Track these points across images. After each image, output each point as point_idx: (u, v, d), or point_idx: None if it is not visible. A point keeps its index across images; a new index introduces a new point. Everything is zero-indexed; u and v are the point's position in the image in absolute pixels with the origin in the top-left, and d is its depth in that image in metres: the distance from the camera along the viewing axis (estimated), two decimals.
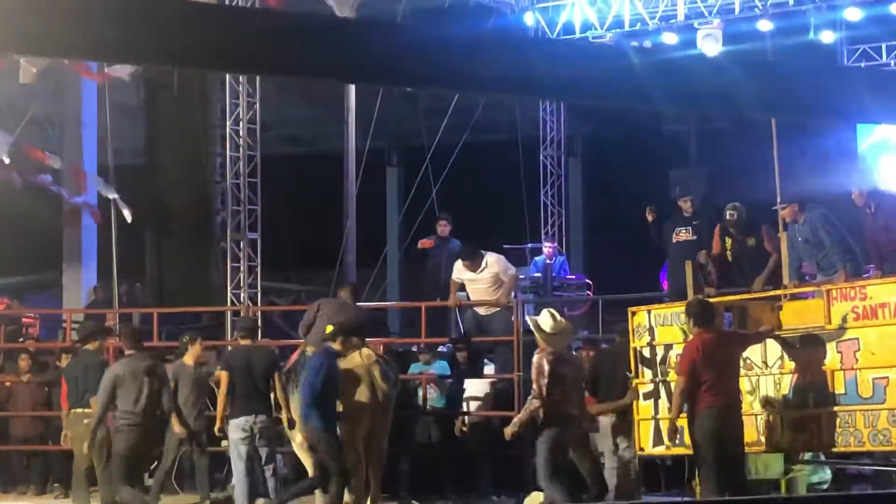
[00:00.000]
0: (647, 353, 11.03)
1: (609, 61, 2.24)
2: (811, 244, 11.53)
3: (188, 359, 12.80)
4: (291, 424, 11.68)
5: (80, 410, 12.10)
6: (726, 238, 12.76)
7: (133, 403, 11.29)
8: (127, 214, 18.44)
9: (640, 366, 11.07)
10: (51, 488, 15.00)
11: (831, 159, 18.58)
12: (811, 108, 2.46)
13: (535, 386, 10.28)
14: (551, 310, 10.65)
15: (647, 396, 10.92)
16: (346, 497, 12.62)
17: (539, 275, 17.96)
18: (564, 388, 10.28)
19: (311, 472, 11.95)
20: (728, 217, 12.67)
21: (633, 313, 11.35)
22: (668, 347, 10.73)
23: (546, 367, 10.19)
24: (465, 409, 13.87)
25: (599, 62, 2.24)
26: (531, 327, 10.61)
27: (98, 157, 19.73)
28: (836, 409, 9.56)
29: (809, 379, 9.76)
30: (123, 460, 11.27)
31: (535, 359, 10.42)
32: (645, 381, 11.01)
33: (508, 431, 10.62)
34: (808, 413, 9.77)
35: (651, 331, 10.99)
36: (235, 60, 2.22)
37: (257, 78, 18.29)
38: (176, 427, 12.07)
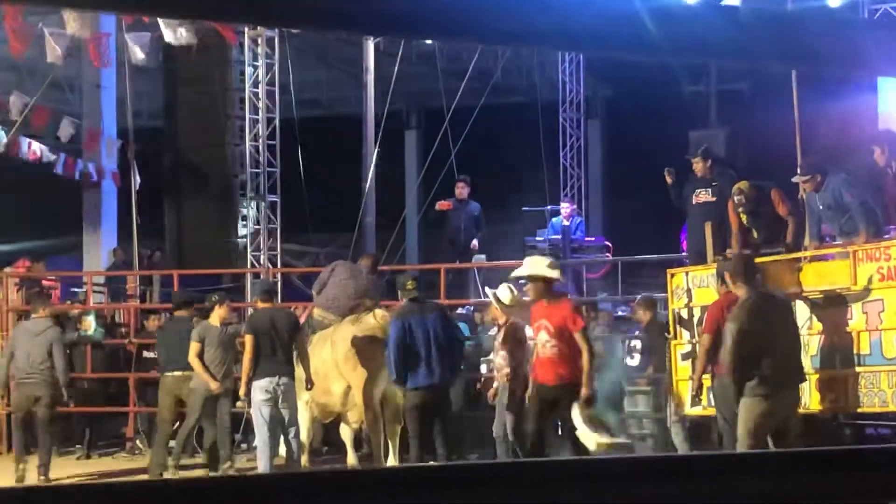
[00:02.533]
0: (684, 314, 11.14)
1: (618, 10, 2.19)
2: (833, 209, 11.41)
3: (214, 319, 12.85)
4: (309, 385, 11.74)
5: (178, 373, 12.87)
6: (740, 213, 12.60)
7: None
8: (136, 181, 18.46)
9: (678, 327, 11.20)
10: (73, 449, 15.10)
11: (852, 119, 18.43)
12: (829, 59, 2.41)
13: (512, 356, 11.26)
14: (509, 284, 11.32)
15: (685, 357, 10.97)
16: (352, 458, 12.73)
17: (557, 237, 17.88)
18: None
19: (304, 430, 12.11)
20: (736, 201, 12.41)
21: (672, 275, 11.43)
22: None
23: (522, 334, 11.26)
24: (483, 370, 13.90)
25: (608, 11, 2.19)
26: (491, 299, 11.25)
27: (118, 121, 19.75)
28: (860, 369, 9.54)
29: (836, 340, 9.73)
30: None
31: (505, 330, 11.33)
32: (683, 342, 11.09)
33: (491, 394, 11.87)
34: (834, 374, 9.74)
35: (689, 292, 11.05)
36: (250, 11, 2.18)
37: (276, 41, 18.25)
38: (212, 385, 12.30)
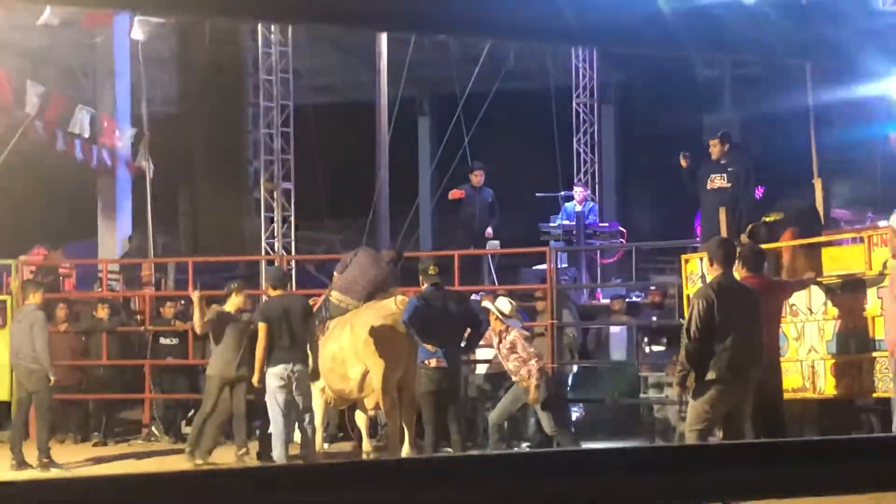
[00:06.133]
0: None
1: (638, 6, 2.19)
2: None
3: (230, 306, 12.92)
4: (315, 374, 11.80)
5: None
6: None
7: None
8: (144, 168, 18.48)
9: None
10: (90, 436, 15.17)
11: (866, 104, 18.37)
12: (846, 51, 2.41)
13: (527, 351, 11.85)
14: (506, 297, 12.33)
15: None
16: (367, 444, 12.78)
17: (571, 223, 17.88)
18: None
19: (319, 416, 12.20)
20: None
21: (686, 261, 11.39)
22: None
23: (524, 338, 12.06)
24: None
25: (627, 7, 2.19)
26: (492, 310, 11.92)
27: (131, 108, 19.77)
28: (875, 354, 9.53)
29: (851, 325, 9.72)
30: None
31: (515, 333, 11.90)
32: None
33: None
34: (849, 359, 9.74)
35: (703, 278, 11.00)
36: (265, 9, 2.18)
37: (289, 27, 18.25)
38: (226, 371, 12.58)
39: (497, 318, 11.86)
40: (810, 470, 2.22)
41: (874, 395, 9.83)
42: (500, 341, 11.91)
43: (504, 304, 12.02)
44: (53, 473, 12.55)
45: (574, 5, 2.18)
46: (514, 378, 11.95)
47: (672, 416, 13.09)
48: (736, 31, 2.29)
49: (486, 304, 12.11)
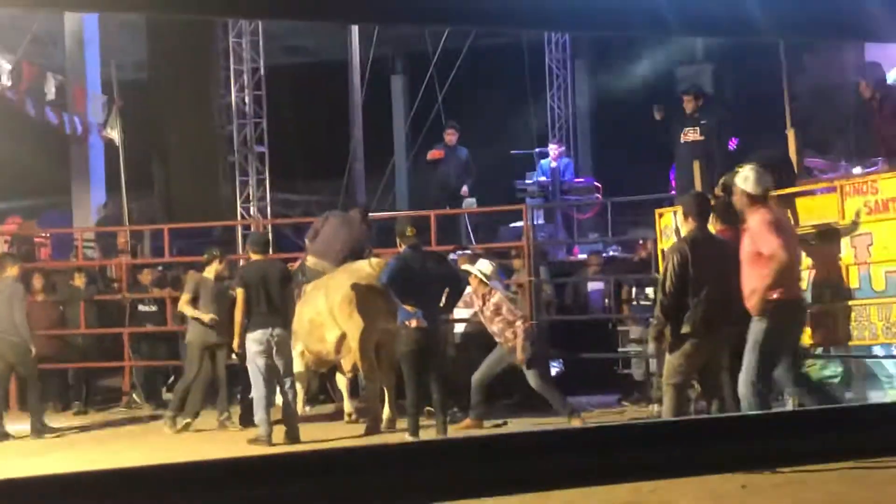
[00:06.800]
0: None
1: None
2: None
3: (209, 272, 12.95)
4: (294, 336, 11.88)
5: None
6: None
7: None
8: (115, 137, 18.35)
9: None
10: (71, 405, 15.17)
11: (839, 54, 18.37)
12: (833, 27, 2.42)
13: (513, 313, 11.88)
14: (486, 259, 12.42)
15: None
16: (348, 406, 12.81)
17: (545, 179, 17.89)
18: None
19: (300, 379, 12.23)
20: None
21: (661, 215, 11.41)
22: None
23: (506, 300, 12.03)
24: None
25: None
26: (475, 273, 11.85)
27: (101, 75, 19.62)
28: (850, 303, 9.59)
29: (825, 274, 9.77)
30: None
31: (499, 296, 11.91)
32: None
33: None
34: (824, 308, 9.79)
35: (677, 231, 10.98)
36: (260, 5, 2.17)
37: None
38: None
39: (480, 280, 11.85)
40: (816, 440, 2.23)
41: (850, 342, 9.90)
42: (483, 304, 11.92)
43: (485, 265, 12.02)
44: (48, 440, 12.72)
45: None
46: (497, 339, 11.95)
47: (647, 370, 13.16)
48: (722, 12, 2.29)
49: (466, 267, 12.05)
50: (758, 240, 8.65)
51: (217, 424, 12.90)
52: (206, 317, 12.65)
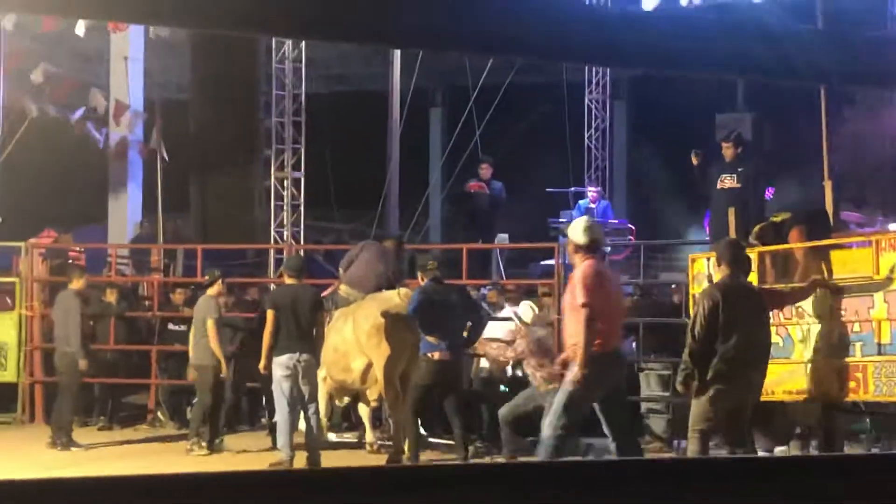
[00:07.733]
0: None
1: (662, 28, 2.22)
2: None
3: (211, 293, 13.10)
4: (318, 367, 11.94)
5: None
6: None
7: None
8: (159, 149, 18.54)
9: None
10: (95, 421, 15.20)
11: (879, 106, 18.32)
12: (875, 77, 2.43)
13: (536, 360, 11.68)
14: (529, 302, 12.61)
15: None
16: (370, 436, 12.82)
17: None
18: None
19: (322, 407, 12.23)
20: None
21: (693, 260, 11.38)
22: None
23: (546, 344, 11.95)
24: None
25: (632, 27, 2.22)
26: (517, 321, 12.10)
27: (144, 93, 19.79)
28: (881, 359, 9.51)
29: (857, 329, 9.70)
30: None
31: (537, 338, 11.82)
32: None
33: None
34: (854, 362, 9.72)
35: (710, 278, 10.95)
36: (288, 24, 2.20)
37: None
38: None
39: (519, 325, 12.02)
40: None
41: (881, 398, 9.81)
42: (520, 345, 11.96)
43: (526, 311, 12.20)
44: (73, 454, 12.87)
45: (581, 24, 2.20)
46: (532, 381, 11.92)
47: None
48: (763, 53, 2.30)
49: (510, 309, 12.41)
50: (575, 290, 8.70)
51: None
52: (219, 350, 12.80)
